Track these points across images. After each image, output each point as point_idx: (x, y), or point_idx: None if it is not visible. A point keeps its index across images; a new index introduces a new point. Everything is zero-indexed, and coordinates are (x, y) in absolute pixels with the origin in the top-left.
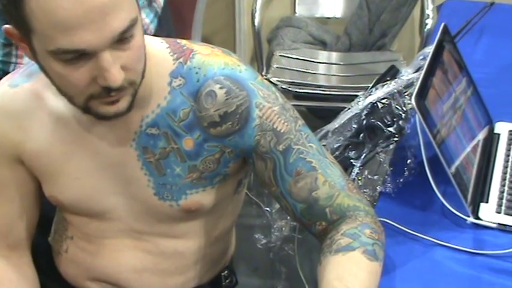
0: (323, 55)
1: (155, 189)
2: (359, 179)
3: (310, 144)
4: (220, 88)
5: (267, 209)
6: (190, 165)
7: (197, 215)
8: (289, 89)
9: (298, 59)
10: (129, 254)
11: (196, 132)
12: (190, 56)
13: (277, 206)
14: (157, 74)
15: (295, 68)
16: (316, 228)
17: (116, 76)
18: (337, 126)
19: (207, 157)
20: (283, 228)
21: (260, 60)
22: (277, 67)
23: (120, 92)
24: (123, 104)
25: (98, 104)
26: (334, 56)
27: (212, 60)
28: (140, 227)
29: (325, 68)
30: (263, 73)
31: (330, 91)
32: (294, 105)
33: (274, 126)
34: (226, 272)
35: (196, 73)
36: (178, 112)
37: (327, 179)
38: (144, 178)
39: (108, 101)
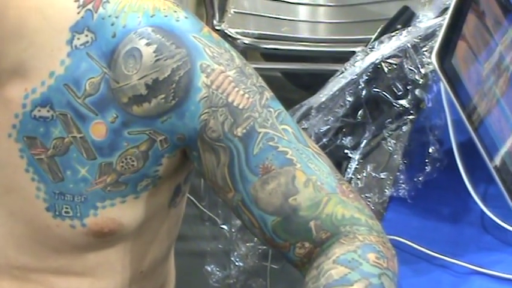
0: None
1: (48, 202)
2: (358, 178)
3: (284, 127)
4: (148, 44)
5: (224, 226)
6: (103, 163)
7: (113, 241)
8: (255, 44)
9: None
10: None
11: (111, 112)
12: None
13: (239, 222)
14: (49, 30)
15: (263, 14)
16: (295, 253)
17: None
18: (324, 100)
19: (127, 150)
20: (249, 256)
21: (209, 2)
22: (235, 12)
23: None
24: None
25: None
26: None
27: (136, 5)
28: (26, 260)
29: (309, 12)
30: (215, 22)
31: (315, 47)
32: (262, 68)
33: (229, 100)
34: None
35: (112, 24)
36: (83, 83)
37: (310, 178)
38: (30, 185)
39: None
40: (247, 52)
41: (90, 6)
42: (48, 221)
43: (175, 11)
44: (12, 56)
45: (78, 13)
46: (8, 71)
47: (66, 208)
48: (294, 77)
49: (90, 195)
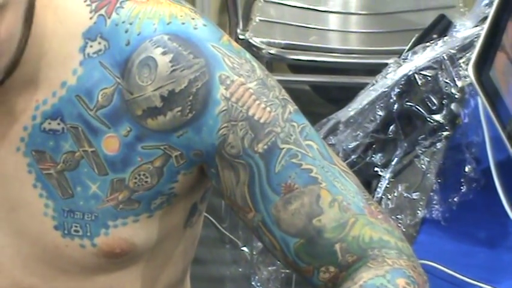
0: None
1: (57, 220)
2: (389, 199)
3: (308, 143)
4: (164, 53)
5: (245, 248)
6: (115, 179)
7: (125, 262)
8: (281, 54)
9: (295, 6)
10: None
11: (124, 125)
12: (117, 4)
13: (261, 244)
14: (63, 35)
15: (290, 22)
16: (320, 278)
17: None
18: (352, 114)
19: (141, 166)
20: (271, 280)
21: (233, 9)
22: (261, 20)
23: None
24: None
25: None
26: (354, 0)
27: (151, 11)
28: (33, 282)
29: (339, 21)
30: (238, 30)
31: (346, 58)
32: (289, 81)
33: (250, 114)
34: None
35: (126, 31)
36: (96, 94)
37: (336, 198)
38: (38, 202)
39: None
40: (273, 63)
41: (102, 12)
42: (56, 240)
43: (193, 18)
44: (33, 61)
45: (91, 18)
46: (24, 79)
47: (76, 227)
48: (323, 90)
49: (101, 213)
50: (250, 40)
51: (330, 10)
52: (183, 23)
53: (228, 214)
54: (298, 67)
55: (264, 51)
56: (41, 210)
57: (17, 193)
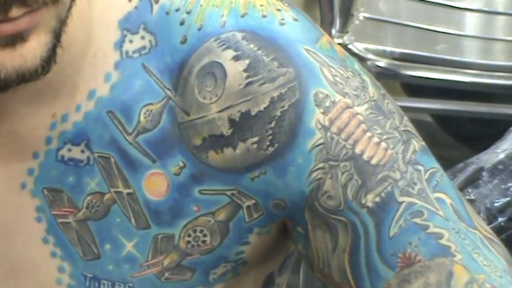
0: None
1: None
2: None
3: (439, 195)
4: (236, 59)
5: None
6: (160, 235)
7: None
8: (394, 68)
9: (414, 1)
10: None
11: (175, 158)
12: None
13: None
14: (89, 21)
15: (407, 22)
16: None
17: None
18: (502, 157)
19: (198, 218)
20: None
21: (327, 3)
22: (366, 18)
23: (30, 14)
24: (34, 48)
25: None
26: None
27: None
28: None
29: (480, 22)
30: (333, 31)
31: (488, 78)
32: (403, 107)
33: (357, 151)
34: None
35: (182, 23)
36: (136, 111)
37: (476, 277)
38: (49, 264)
39: (4, 36)
40: (382, 80)
41: None
42: None
43: (278, 9)
44: None
45: (130, 1)
46: (36, 86)
47: None
48: (452, 123)
49: (139, 284)
50: (350, 46)
51: (467, 7)
52: (264, 16)
53: None
54: (417, 88)
55: (369, 62)
56: (53, 276)
57: (19, 250)
